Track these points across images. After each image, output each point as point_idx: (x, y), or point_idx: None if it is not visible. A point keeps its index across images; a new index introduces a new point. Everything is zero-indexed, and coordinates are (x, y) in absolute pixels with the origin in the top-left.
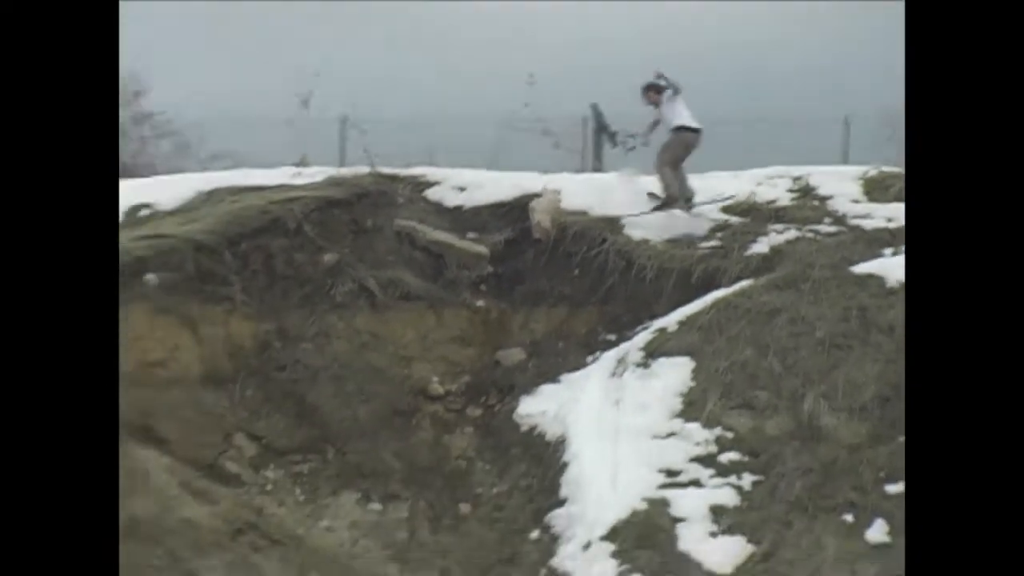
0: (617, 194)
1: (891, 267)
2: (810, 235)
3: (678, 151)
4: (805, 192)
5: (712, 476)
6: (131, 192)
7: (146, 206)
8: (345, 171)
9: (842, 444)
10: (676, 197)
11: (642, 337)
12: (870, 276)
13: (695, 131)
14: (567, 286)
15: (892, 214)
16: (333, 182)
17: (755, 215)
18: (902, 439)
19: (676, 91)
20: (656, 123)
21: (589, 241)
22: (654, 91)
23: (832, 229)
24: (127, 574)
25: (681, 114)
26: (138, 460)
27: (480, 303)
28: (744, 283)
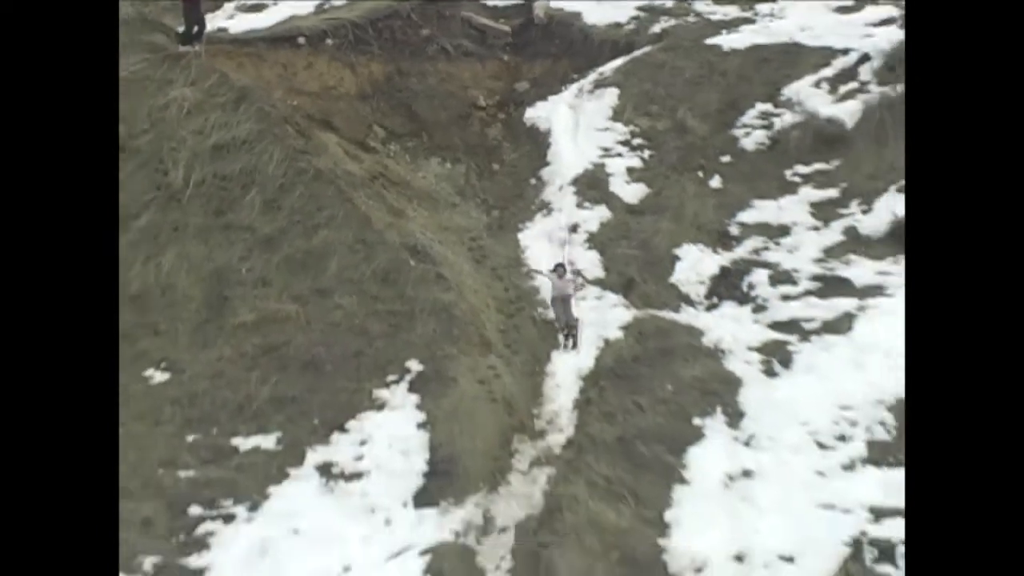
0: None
1: (727, 40)
2: (683, 23)
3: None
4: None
5: (628, 152)
6: None
7: (328, 0)
8: None
9: (698, 135)
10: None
11: (591, 77)
12: (715, 45)
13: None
14: (552, 49)
15: (726, 11)
16: None
17: (651, 11)
18: (730, 132)
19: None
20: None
21: (564, 25)
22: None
23: (694, 19)
24: (314, 204)
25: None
26: (322, 139)
27: (506, 57)
28: (647, 48)
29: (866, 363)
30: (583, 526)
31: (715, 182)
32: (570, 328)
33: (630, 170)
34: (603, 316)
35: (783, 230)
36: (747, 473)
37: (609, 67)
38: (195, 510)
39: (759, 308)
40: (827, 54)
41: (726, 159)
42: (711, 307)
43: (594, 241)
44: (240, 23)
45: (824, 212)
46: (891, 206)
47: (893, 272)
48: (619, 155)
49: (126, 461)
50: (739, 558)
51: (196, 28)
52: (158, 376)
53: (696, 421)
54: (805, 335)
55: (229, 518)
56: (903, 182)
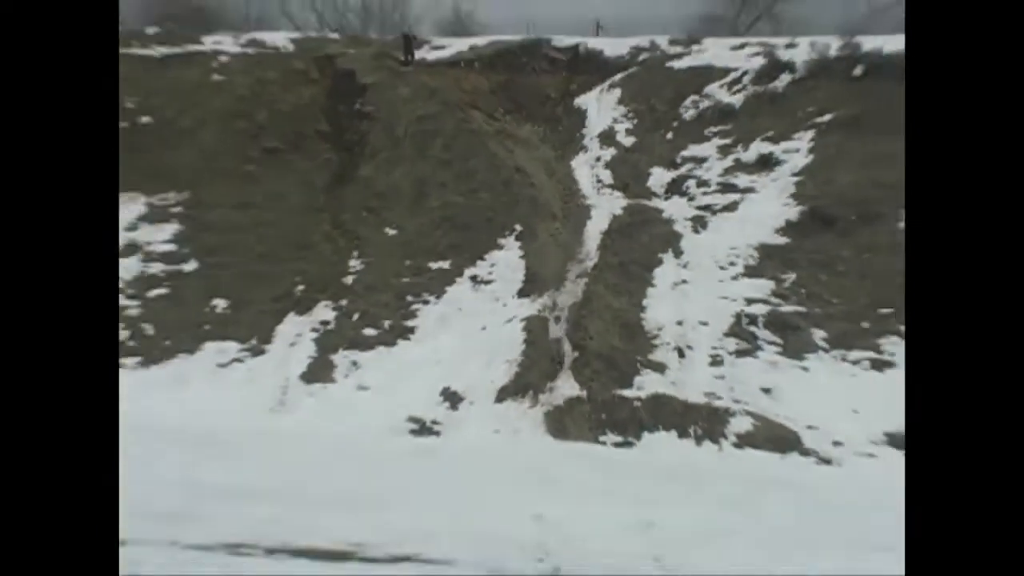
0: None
1: (677, 63)
2: (654, 55)
3: None
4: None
5: (626, 120)
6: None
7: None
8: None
9: (660, 112)
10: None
11: (607, 82)
12: (670, 66)
13: None
14: (588, 68)
15: (676, 49)
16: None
17: (637, 49)
18: (677, 110)
19: None
20: None
21: (593, 55)
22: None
23: (659, 54)
24: (468, 146)
25: None
26: (472, 114)
27: (564, 73)
28: (635, 68)
29: (744, 226)
30: (602, 308)
31: (669, 136)
32: (558, 357)
33: (627, 130)
34: (612, 203)
35: (703, 160)
36: (684, 281)
37: (616, 77)
38: (409, 298)
39: (691, 199)
40: (727, 71)
41: (675, 124)
42: (667, 198)
43: (608, 165)
44: (432, 55)
45: (724, 151)
46: (759, 148)
47: (759, 181)
48: (621, 122)
49: (374, 274)
50: (680, 323)
51: (409, 57)
52: (390, 232)
53: (659, 255)
54: (714, 212)
55: (426, 303)
56: (765, 135)
